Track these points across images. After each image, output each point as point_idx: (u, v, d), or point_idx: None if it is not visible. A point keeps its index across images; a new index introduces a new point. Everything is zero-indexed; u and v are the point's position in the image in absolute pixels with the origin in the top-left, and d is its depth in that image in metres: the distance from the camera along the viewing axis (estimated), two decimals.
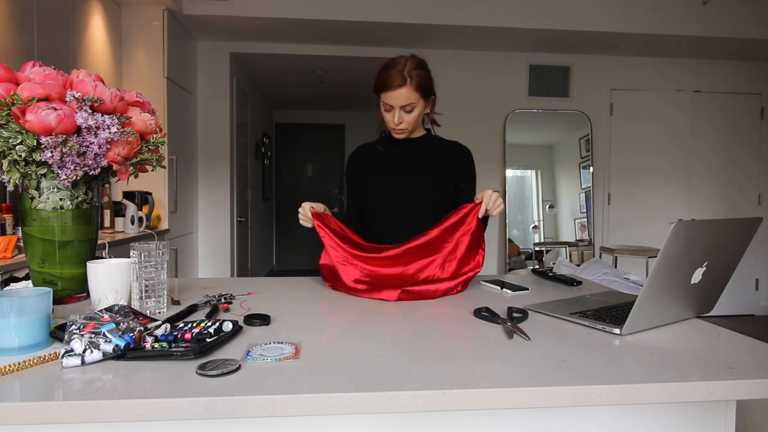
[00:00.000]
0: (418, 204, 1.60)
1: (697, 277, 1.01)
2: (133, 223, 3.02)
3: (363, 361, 0.82)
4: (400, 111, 1.53)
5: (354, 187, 1.72)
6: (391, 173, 1.64)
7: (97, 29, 3.18)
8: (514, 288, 1.40)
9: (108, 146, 1.09)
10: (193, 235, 4.40)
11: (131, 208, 3.02)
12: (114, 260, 1.15)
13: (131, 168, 1.20)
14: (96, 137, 1.06)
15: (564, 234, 4.78)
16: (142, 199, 3.28)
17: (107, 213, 3.15)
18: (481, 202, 1.38)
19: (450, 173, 1.66)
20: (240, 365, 0.78)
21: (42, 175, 1.08)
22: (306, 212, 1.46)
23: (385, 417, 0.85)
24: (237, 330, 0.94)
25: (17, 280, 1.37)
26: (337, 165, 7.57)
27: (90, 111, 1.06)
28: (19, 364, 0.76)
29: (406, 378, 0.75)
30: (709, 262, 1.01)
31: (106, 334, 0.81)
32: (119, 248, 2.60)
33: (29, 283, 1.20)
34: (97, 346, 0.79)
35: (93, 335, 0.81)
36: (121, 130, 1.09)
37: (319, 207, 1.49)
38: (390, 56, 1.58)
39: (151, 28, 3.56)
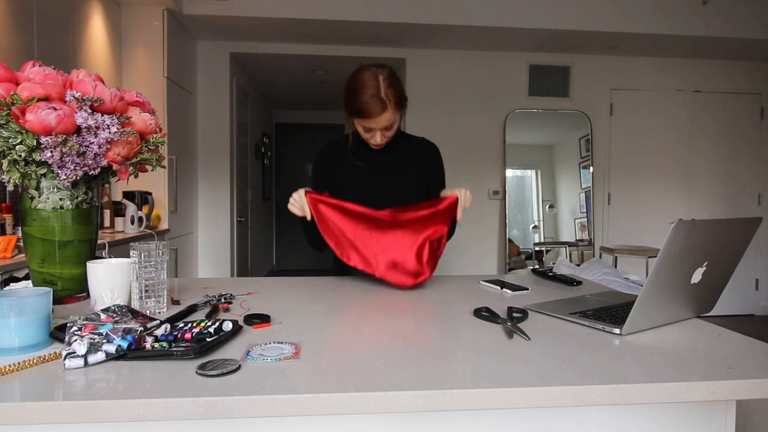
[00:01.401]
0: (393, 206, 1.61)
1: (697, 277, 1.01)
2: (133, 223, 3.02)
3: (363, 361, 0.82)
4: (381, 131, 1.50)
5: (324, 187, 1.65)
6: (363, 175, 1.62)
7: (97, 29, 3.18)
8: (514, 288, 1.40)
9: (108, 146, 1.09)
10: (193, 235, 4.40)
11: (131, 208, 3.02)
12: (114, 260, 1.15)
13: (131, 168, 1.20)
14: (96, 137, 1.06)
15: (564, 234, 4.78)
16: (142, 199, 3.28)
17: (107, 213, 3.15)
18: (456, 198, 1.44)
19: (422, 173, 1.67)
20: (240, 365, 0.78)
21: (42, 175, 1.08)
22: (302, 198, 1.45)
23: (385, 417, 0.85)
24: (237, 330, 0.94)
25: (17, 280, 1.37)
26: None
27: (90, 111, 1.06)
28: (19, 364, 0.76)
29: (406, 378, 0.75)
30: (709, 262, 1.01)
31: (109, 334, 0.81)
32: (119, 248, 2.60)
33: (29, 283, 1.20)
34: (99, 347, 0.79)
35: (94, 336, 0.81)
36: (121, 130, 1.09)
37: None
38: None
39: (151, 28, 3.56)
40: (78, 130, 1.06)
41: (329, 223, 1.44)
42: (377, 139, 1.52)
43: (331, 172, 1.65)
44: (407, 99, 1.53)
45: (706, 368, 0.81)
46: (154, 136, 1.21)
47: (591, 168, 4.73)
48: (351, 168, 1.63)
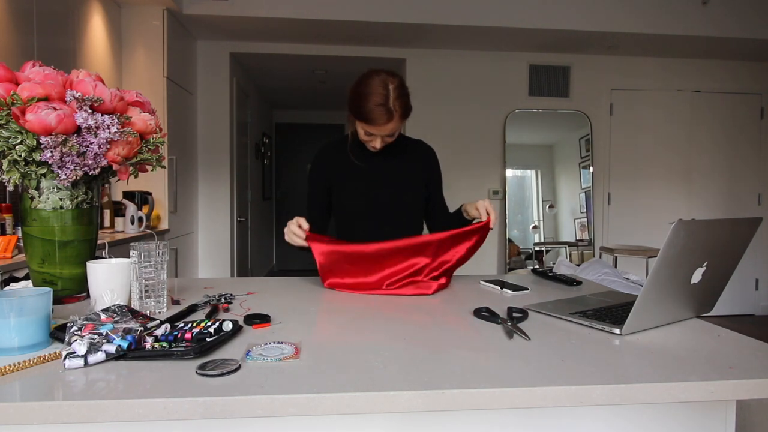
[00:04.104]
0: (395, 207, 1.61)
1: (697, 277, 1.01)
2: (133, 223, 3.02)
3: (363, 361, 0.82)
4: (382, 138, 1.51)
5: (322, 189, 1.65)
6: (363, 177, 1.62)
7: (97, 29, 3.18)
8: (514, 288, 1.40)
9: (108, 146, 1.09)
10: (193, 235, 4.40)
11: (131, 208, 3.02)
12: (114, 260, 1.15)
13: (131, 168, 1.20)
14: (96, 137, 1.06)
15: (564, 234, 4.78)
16: (142, 199, 3.28)
17: (107, 213, 3.15)
18: (488, 220, 1.42)
19: (421, 174, 1.68)
20: (240, 365, 0.78)
21: (42, 175, 1.08)
22: (295, 230, 1.40)
23: (385, 417, 0.85)
24: (237, 330, 0.94)
25: (17, 280, 1.37)
26: None
27: (90, 111, 1.06)
28: (19, 364, 0.76)
29: (405, 378, 0.75)
30: (709, 262, 1.01)
31: (109, 334, 0.81)
32: (119, 248, 2.60)
33: (29, 283, 1.20)
34: (99, 347, 0.79)
35: (94, 336, 0.81)
36: (121, 130, 1.09)
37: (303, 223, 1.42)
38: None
39: (151, 28, 3.56)
40: (78, 130, 1.06)
41: (334, 267, 1.39)
42: (377, 144, 1.53)
43: (329, 175, 1.65)
44: (412, 109, 1.52)
45: (706, 368, 0.81)
46: (154, 136, 1.21)
47: (591, 168, 4.73)
48: (350, 170, 1.63)
